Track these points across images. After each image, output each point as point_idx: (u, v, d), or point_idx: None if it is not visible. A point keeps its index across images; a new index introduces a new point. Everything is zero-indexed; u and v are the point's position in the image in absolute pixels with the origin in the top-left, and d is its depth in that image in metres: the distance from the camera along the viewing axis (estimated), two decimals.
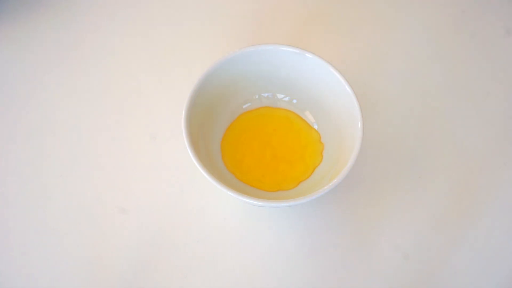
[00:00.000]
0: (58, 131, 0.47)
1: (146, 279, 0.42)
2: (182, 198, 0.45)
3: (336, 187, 0.38)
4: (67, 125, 0.47)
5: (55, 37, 0.51)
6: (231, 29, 0.51)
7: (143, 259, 0.43)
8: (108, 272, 0.43)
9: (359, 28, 0.52)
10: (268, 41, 0.45)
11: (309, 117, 0.46)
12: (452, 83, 0.50)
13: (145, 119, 0.48)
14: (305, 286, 0.42)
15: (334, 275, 0.42)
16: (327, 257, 0.43)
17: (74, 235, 0.44)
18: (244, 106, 0.46)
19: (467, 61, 0.51)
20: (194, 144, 0.40)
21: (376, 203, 0.45)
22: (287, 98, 0.46)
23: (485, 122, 0.48)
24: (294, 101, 0.46)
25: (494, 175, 0.46)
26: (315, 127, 0.45)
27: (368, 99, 0.47)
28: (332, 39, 0.51)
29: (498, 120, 0.48)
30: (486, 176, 0.46)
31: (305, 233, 0.44)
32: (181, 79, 0.48)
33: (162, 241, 0.43)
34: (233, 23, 0.51)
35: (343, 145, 0.42)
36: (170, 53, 0.50)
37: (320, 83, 0.44)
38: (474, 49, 0.51)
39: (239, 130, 0.46)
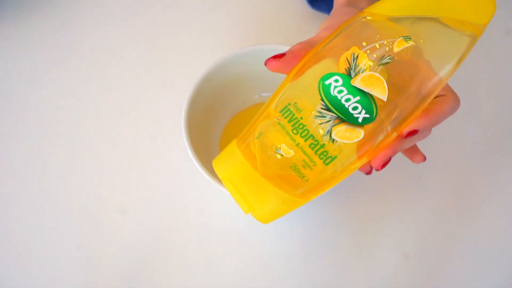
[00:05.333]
0: (58, 131, 0.47)
1: (146, 279, 0.42)
2: (182, 198, 0.45)
3: (336, 187, 0.38)
4: (67, 125, 0.47)
5: (55, 37, 0.51)
6: (231, 29, 0.51)
7: (143, 259, 0.43)
8: (108, 272, 0.43)
9: None
10: (268, 41, 0.45)
11: None
12: (452, 83, 0.50)
13: (145, 119, 0.48)
14: (305, 286, 0.42)
15: (334, 275, 0.42)
16: (327, 257, 0.43)
17: (74, 235, 0.44)
18: (244, 106, 0.46)
19: (467, 61, 0.50)
20: (194, 144, 0.40)
21: (376, 203, 0.45)
22: None
23: (485, 122, 0.48)
24: None
25: (494, 175, 0.46)
26: None
27: None
28: None
29: (498, 120, 0.48)
30: (486, 176, 0.46)
31: (305, 233, 0.44)
32: (181, 79, 0.48)
33: (162, 241, 0.43)
34: (233, 23, 0.51)
35: None
36: (170, 53, 0.50)
37: None
38: (474, 49, 0.51)
39: (238, 129, 0.46)
